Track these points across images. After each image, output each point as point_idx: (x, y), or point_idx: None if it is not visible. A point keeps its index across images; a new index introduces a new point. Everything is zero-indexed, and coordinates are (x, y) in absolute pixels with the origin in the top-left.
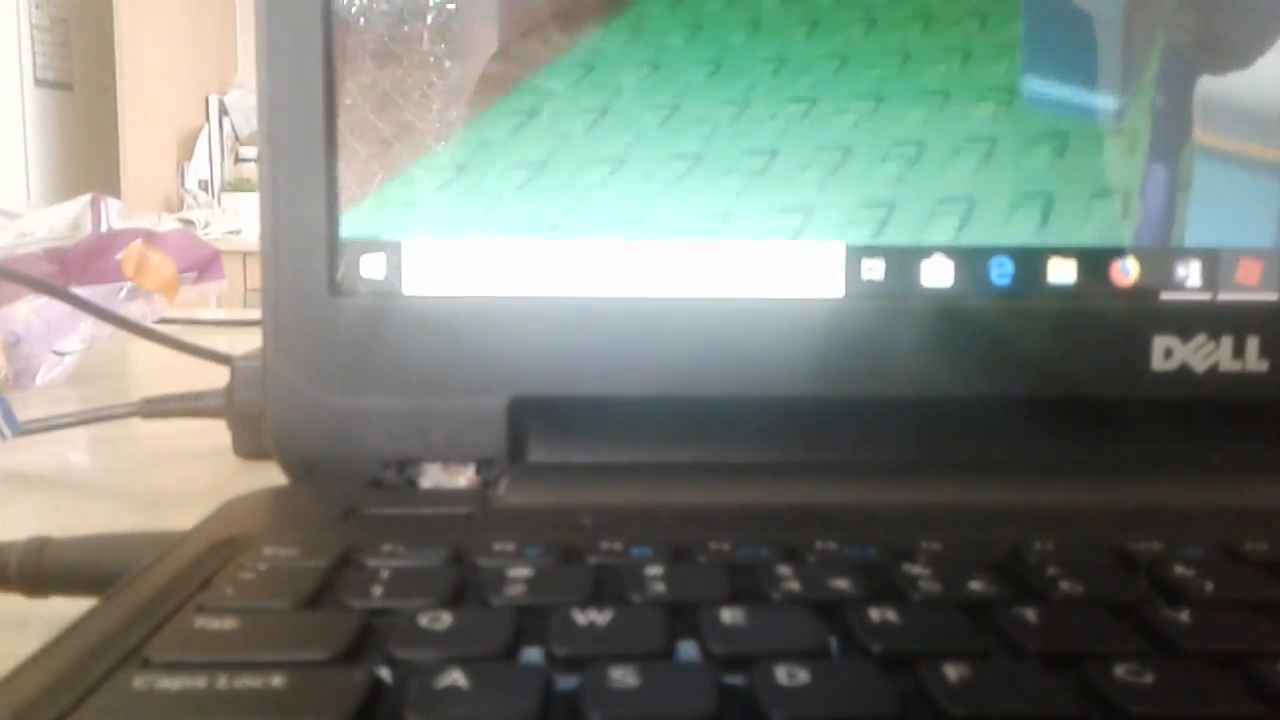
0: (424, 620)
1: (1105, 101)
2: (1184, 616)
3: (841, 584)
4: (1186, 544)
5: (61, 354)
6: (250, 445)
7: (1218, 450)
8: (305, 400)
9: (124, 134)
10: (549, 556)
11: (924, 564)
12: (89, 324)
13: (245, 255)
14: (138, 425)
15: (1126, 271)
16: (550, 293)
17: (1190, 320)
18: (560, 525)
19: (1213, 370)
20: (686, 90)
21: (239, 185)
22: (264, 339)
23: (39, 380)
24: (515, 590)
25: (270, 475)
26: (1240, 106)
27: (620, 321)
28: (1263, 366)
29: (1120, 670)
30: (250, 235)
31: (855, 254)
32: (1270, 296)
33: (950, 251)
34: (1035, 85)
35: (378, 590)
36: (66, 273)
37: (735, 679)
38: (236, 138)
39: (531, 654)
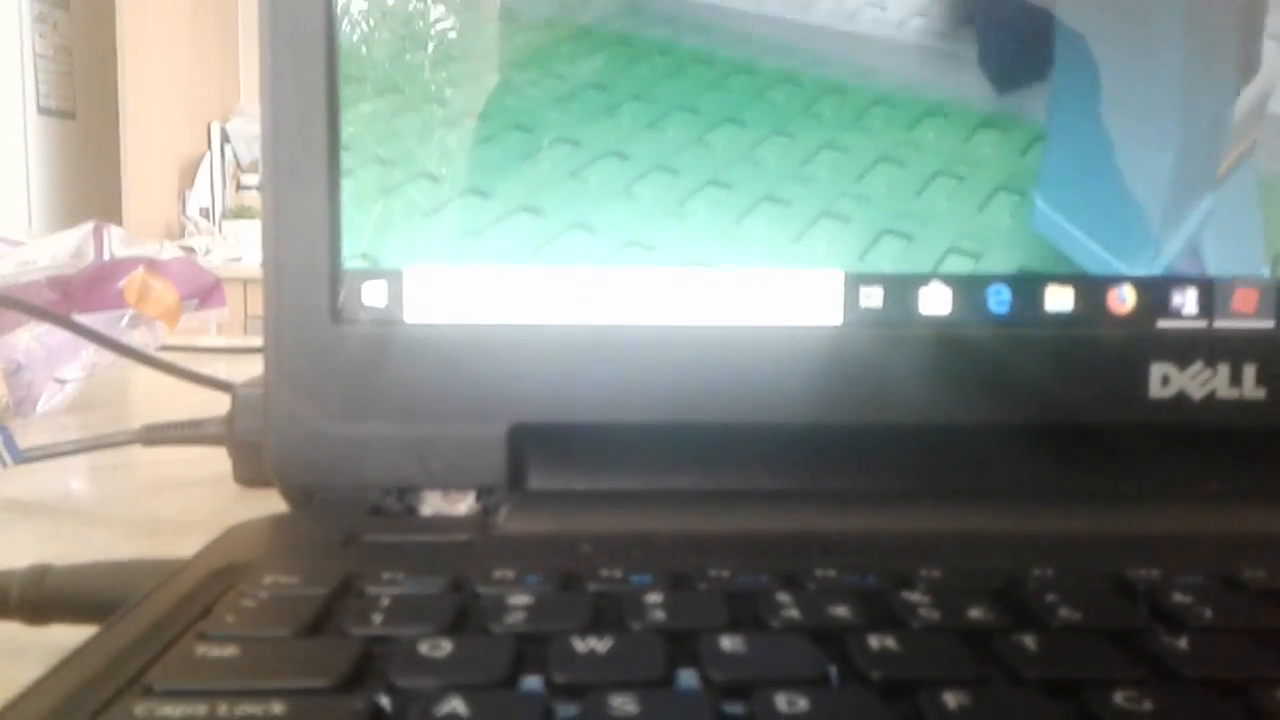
0: (424, 648)
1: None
2: (1183, 644)
3: (841, 611)
4: (1185, 571)
5: (63, 381)
6: (250, 472)
7: (1216, 477)
8: (306, 427)
9: (126, 162)
10: (549, 584)
11: (923, 591)
12: (90, 351)
13: (246, 282)
14: (138, 452)
15: (1123, 299)
16: (550, 320)
17: (1187, 348)
18: (560, 552)
19: (1210, 397)
20: (686, 121)
21: (240, 212)
22: (265, 366)
23: (40, 408)
24: (515, 618)
25: (270, 503)
26: (1229, 129)
27: (620, 349)
28: (1260, 394)
29: (1120, 697)
30: (251, 262)
31: (854, 281)
32: (1266, 324)
33: (948, 279)
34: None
35: (378, 618)
36: (69, 300)
37: (735, 707)
38: (238, 165)
39: (531, 682)
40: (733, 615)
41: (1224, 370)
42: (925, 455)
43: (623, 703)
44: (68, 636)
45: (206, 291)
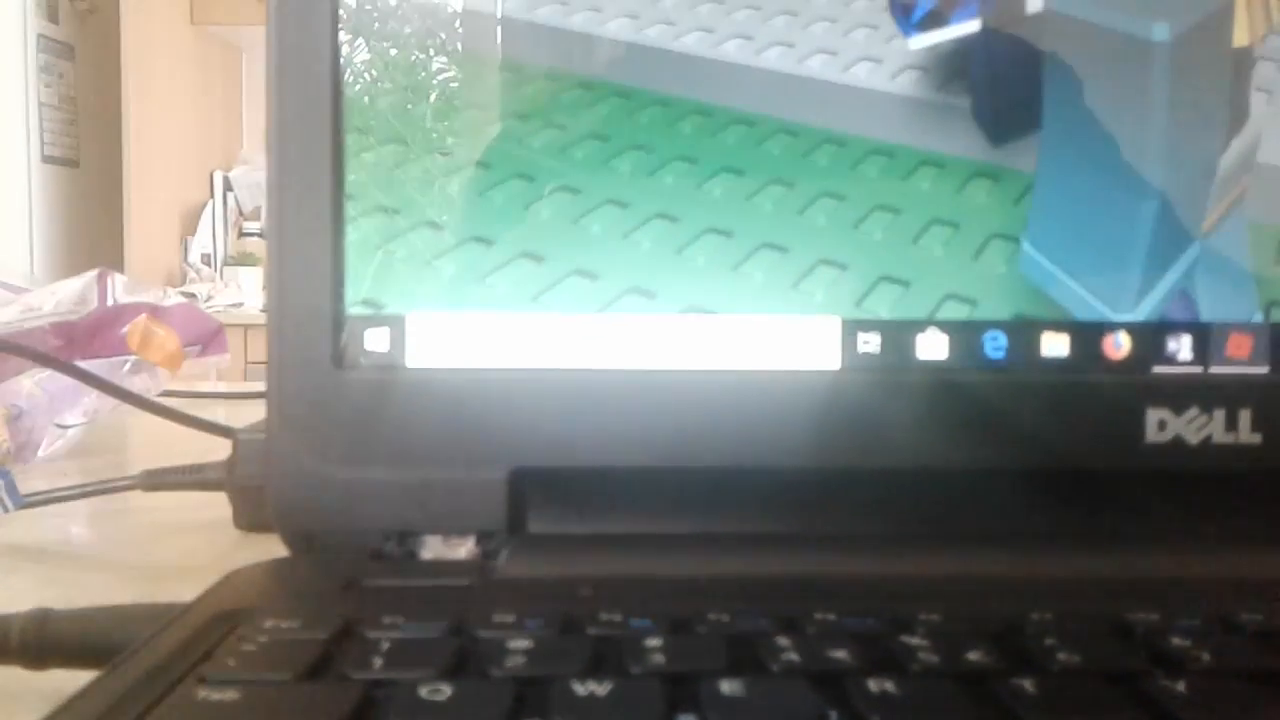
0: (424, 691)
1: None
2: (1181, 687)
3: (840, 655)
4: (1184, 615)
5: (64, 427)
6: (251, 518)
7: (1213, 521)
8: (308, 472)
9: (129, 209)
10: (549, 628)
11: (922, 635)
12: (92, 397)
13: (246, 328)
14: (139, 498)
15: (1119, 345)
16: (550, 365)
17: (1183, 393)
18: (560, 596)
19: (1206, 442)
20: (685, 170)
21: (242, 259)
22: (268, 411)
23: (41, 453)
24: (515, 661)
25: (271, 547)
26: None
27: (619, 393)
28: (1255, 439)
29: None
30: (251, 308)
31: (851, 327)
32: (1260, 370)
33: (944, 325)
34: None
35: (378, 661)
36: (72, 346)
37: None
38: (240, 212)
39: None
40: (732, 659)
41: (1220, 415)
42: (924, 499)
43: None
44: (68, 681)
45: (209, 338)
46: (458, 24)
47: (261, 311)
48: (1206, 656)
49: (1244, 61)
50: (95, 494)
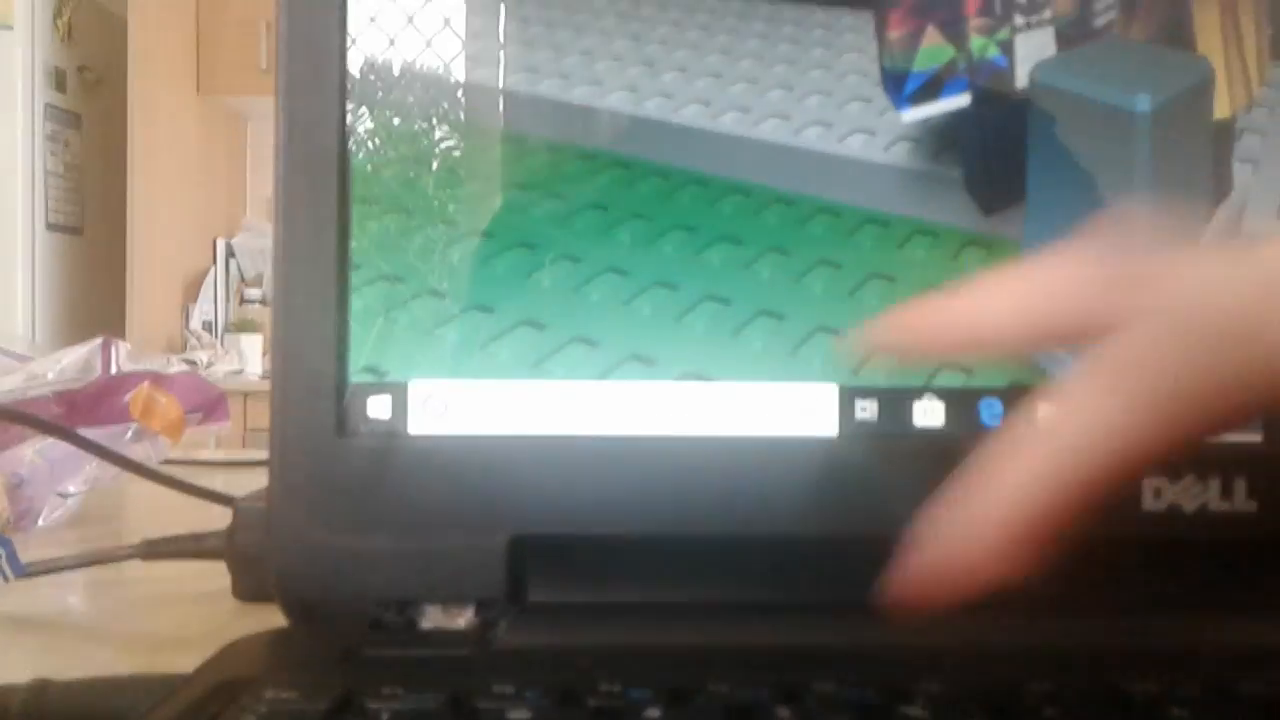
0: None
1: None
2: None
3: None
4: (1182, 684)
5: (65, 495)
6: (250, 587)
7: (1210, 589)
8: (309, 539)
9: (131, 277)
10: (548, 699)
11: (921, 705)
12: (93, 465)
13: (246, 395)
14: (138, 567)
15: None
16: (551, 431)
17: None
18: (559, 667)
19: (1202, 510)
20: (683, 239)
21: (243, 325)
22: (270, 478)
23: (41, 522)
24: None
25: (269, 618)
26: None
27: (619, 460)
28: (1251, 506)
29: None
30: (252, 375)
31: (848, 394)
32: (1255, 438)
33: (941, 393)
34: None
35: None
36: (75, 414)
37: None
38: (242, 279)
39: None
40: None
41: (1215, 484)
42: None
43: None
44: None
45: (211, 405)
46: (460, 95)
47: (262, 378)
48: None
49: (1226, 132)
50: (95, 563)
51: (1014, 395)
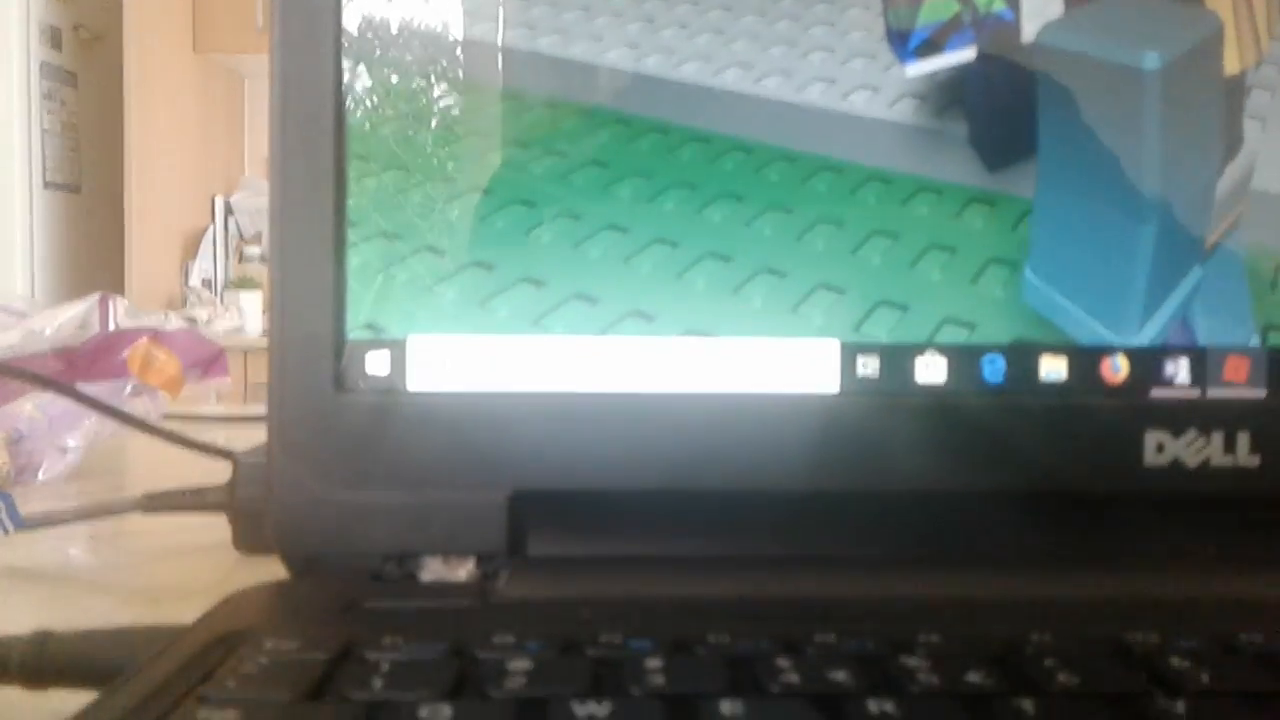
0: (424, 713)
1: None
2: (1180, 708)
3: (840, 676)
4: (1183, 636)
5: (64, 450)
6: (251, 540)
7: (1211, 543)
8: (308, 495)
9: (130, 235)
10: (548, 649)
11: (922, 656)
12: (93, 420)
13: (246, 352)
14: (139, 520)
15: (1117, 369)
16: (550, 388)
17: (1181, 416)
18: (560, 618)
19: (1204, 465)
20: (684, 196)
21: (242, 283)
22: (269, 434)
23: (41, 476)
24: (515, 683)
25: (271, 569)
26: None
27: (619, 416)
28: (1253, 461)
29: None
30: (252, 332)
31: (850, 351)
32: (1258, 393)
33: (943, 349)
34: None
35: (378, 683)
36: (73, 370)
37: None
38: (241, 237)
39: None
40: (732, 680)
41: (1218, 438)
42: (923, 521)
43: None
44: (68, 702)
45: (209, 361)
46: (459, 52)
47: (261, 335)
48: (1206, 677)
49: (1237, 89)
50: (95, 516)
51: (1016, 352)
